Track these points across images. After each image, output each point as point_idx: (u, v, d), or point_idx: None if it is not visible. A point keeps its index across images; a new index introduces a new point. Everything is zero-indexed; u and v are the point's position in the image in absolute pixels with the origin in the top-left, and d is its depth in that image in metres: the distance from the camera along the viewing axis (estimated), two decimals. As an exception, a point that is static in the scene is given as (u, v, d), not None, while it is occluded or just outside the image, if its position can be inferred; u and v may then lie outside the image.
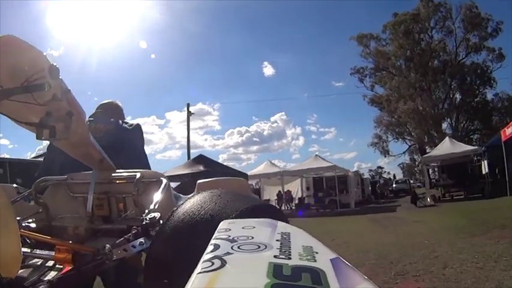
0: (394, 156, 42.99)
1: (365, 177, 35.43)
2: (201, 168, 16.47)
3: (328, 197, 22.63)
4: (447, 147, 19.49)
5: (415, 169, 51.84)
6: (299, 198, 24.04)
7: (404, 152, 42.61)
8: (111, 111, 2.33)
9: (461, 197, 18.47)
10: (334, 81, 73.64)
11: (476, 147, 20.01)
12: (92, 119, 2.13)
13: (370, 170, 58.96)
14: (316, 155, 23.46)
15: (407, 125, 37.48)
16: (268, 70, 74.33)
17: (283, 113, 77.42)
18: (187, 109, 25.34)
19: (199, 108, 76.33)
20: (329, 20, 71.22)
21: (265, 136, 79.15)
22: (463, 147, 19.56)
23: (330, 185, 23.45)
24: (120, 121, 2.24)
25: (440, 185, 20.92)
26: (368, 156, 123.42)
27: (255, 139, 79.69)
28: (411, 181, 43.16)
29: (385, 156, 42.26)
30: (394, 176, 50.07)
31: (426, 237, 7.02)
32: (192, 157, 20.33)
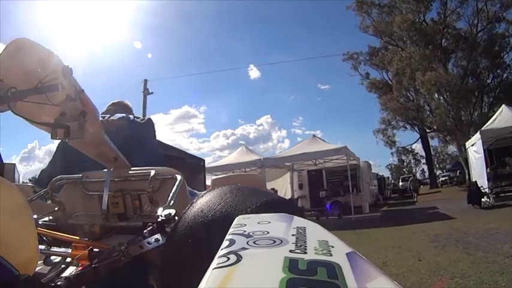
0: (401, 148, 39.79)
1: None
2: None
3: (333, 197, 15.89)
4: (509, 116, 12.96)
5: (403, 170, 50.82)
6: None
7: (416, 141, 38.67)
8: (122, 108, 2.36)
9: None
10: (320, 84, 73.79)
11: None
12: (105, 115, 2.16)
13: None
14: (313, 136, 16.57)
15: (428, 100, 29.40)
16: (254, 73, 74.66)
17: (268, 115, 78.05)
18: (144, 86, 21.21)
19: (185, 110, 76.83)
20: (315, 23, 70.99)
21: (251, 139, 79.79)
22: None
23: (333, 180, 17.48)
24: (132, 116, 2.28)
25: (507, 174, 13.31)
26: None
27: (240, 142, 79.71)
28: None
29: (391, 148, 38.47)
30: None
31: None
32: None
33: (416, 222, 9.96)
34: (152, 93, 21.52)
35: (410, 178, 26.03)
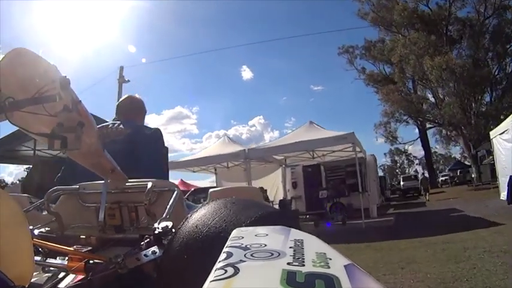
0: (404, 143, 38.29)
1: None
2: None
3: (336, 197, 12.57)
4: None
5: (396, 170, 51.11)
6: (281, 201, 13.77)
7: (415, 140, 37.66)
8: (132, 108, 2.39)
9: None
10: (313, 85, 74.00)
11: None
12: (114, 122, 2.16)
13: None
14: (311, 122, 13.24)
15: (434, 89, 27.23)
16: (246, 74, 74.77)
17: (261, 116, 77.59)
18: (120, 73, 18.67)
19: (177, 111, 76.35)
20: (308, 24, 71.43)
21: (244, 140, 78.63)
22: None
23: (333, 178, 14.41)
24: (142, 123, 2.35)
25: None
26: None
27: (234, 145, 79.07)
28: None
29: (392, 145, 37.79)
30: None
31: None
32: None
33: (451, 230, 7.17)
34: (129, 81, 19.32)
35: (421, 177, 24.24)
